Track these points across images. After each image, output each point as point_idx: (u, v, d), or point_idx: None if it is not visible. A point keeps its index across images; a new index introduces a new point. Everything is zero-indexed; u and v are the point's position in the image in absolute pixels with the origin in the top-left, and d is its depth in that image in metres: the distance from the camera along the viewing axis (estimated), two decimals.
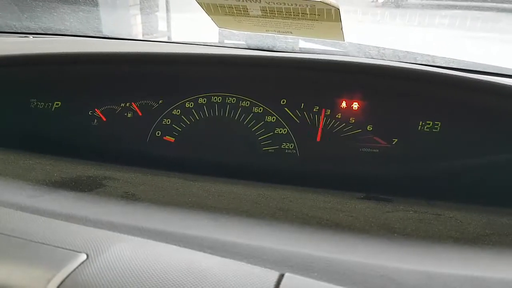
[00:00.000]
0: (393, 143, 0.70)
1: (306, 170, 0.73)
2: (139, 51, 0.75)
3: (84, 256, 0.40)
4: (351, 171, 0.71)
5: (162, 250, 0.42)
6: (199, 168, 0.71)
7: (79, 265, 0.38)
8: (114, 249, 0.41)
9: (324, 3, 0.65)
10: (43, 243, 0.41)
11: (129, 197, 0.58)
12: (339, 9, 0.65)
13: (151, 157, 0.75)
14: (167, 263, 0.39)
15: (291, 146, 0.73)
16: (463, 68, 0.82)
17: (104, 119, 0.78)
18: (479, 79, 0.65)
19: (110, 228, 0.46)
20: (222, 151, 0.75)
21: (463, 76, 0.65)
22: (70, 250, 0.40)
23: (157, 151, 0.77)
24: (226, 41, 1.16)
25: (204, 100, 0.76)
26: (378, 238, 0.49)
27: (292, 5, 0.68)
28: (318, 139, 0.72)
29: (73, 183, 0.61)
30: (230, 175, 0.69)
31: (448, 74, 0.65)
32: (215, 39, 1.17)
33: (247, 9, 0.71)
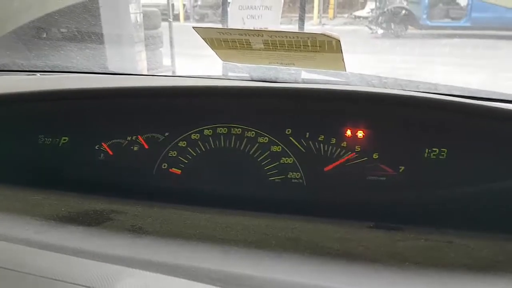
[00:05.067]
0: (400, 171, 0.70)
1: (314, 200, 0.72)
2: (144, 85, 0.77)
3: None
4: (359, 200, 0.71)
5: (171, 284, 0.41)
6: (206, 200, 0.71)
7: None
8: (122, 284, 0.40)
9: (325, 35, 0.67)
10: (51, 279, 0.41)
11: (137, 230, 0.57)
12: (339, 40, 0.67)
13: (158, 190, 0.75)
14: None
15: (297, 176, 0.73)
16: (465, 95, 0.83)
17: (111, 153, 0.79)
18: (482, 105, 0.65)
19: (118, 262, 0.45)
20: (229, 182, 0.75)
21: (467, 103, 0.66)
22: (78, 285, 0.40)
23: (164, 183, 0.77)
24: (230, 74, 1.17)
25: (210, 131, 0.77)
26: (389, 267, 0.48)
27: (293, 37, 0.70)
28: (325, 168, 0.72)
29: (81, 218, 0.61)
30: (237, 206, 0.69)
31: (452, 100, 0.65)
32: (219, 72, 1.19)
33: (250, 42, 0.73)
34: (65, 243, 0.50)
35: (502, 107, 0.65)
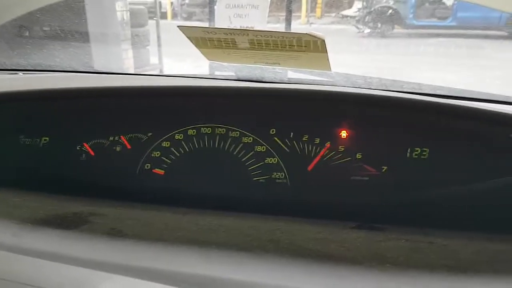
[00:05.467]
0: (383, 170, 0.70)
1: (297, 200, 0.72)
2: (128, 85, 0.76)
3: None
4: (342, 200, 0.71)
5: None
6: (189, 201, 0.70)
7: None
8: None
9: (310, 35, 0.67)
10: (27, 284, 0.40)
11: (116, 233, 0.56)
12: (324, 40, 0.67)
13: (140, 191, 0.74)
14: None
15: (281, 176, 0.73)
16: (449, 94, 0.83)
17: (93, 154, 0.78)
18: (464, 106, 0.65)
19: (96, 266, 0.45)
20: (213, 183, 0.75)
21: (449, 103, 0.66)
22: None
23: (147, 184, 0.76)
24: (216, 73, 1.17)
25: (194, 131, 0.76)
26: (370, 269, 0.49)
27: (279, 37, 0.69)
28: (309, 168, 0.72)
29: (59, 221, 0.60)
30: (221, 206, 0.69)
31: (434, 101, 0.66)
32: (205, 71, 1.18)
33: (235, 42, 0.73)
34: (42, 247, 0.49)
35: (484, 107, 0.65)
